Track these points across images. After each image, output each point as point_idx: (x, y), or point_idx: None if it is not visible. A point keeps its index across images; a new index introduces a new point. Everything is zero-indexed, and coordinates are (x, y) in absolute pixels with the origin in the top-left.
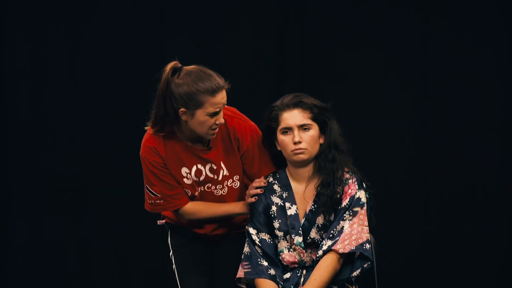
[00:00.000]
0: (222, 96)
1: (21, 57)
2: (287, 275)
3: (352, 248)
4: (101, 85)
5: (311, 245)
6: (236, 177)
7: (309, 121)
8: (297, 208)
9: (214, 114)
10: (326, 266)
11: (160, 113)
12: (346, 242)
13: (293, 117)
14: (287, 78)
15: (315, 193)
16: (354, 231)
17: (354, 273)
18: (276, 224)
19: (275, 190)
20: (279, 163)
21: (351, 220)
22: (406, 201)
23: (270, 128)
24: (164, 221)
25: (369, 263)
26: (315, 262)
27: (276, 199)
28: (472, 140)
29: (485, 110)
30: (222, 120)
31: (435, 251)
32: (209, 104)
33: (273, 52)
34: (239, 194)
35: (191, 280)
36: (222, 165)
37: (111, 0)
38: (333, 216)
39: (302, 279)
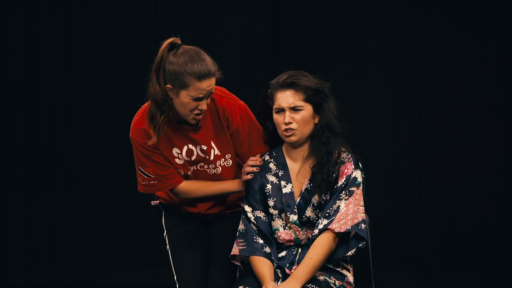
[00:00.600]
0: (208, 84)
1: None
2: (283, 253)
3: (348, 227)
4: (99, 67)
5: (307, 223)
6: (228, 156)
7: (300, 103)
8: (292, 186)
9: (198, 99)
10: (322, 245)
11: (152, 88)
12: (342, 222)
13: (285, 97)
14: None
15: (311, 172)
16: (350, 211)
17: (349, 253)
18: (271, 202)
19: (270, 168)
20: (276, 140)
21: (347, 199)
22: (402, 199)
23: (267, 105)
24: (158, 201)
25: (364, 243)
26: (310, 241)
27: (271, 177)
28: (471, 140)
29: (484, 109)
30: (204, 107)
31: (430, 247)
32: (193, 88)
33: (267, 36)
34: (234, 172)
35: (185, 260)
36: (213, 144)
37: None
38: (329, 195)
39: (297, 257)
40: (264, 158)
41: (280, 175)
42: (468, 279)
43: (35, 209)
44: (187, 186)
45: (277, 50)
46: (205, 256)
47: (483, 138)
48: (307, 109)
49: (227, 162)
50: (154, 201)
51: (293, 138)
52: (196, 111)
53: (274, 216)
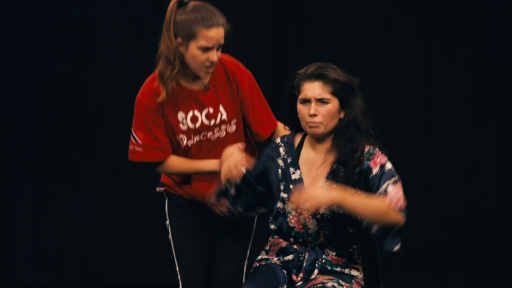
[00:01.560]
0: (217, 32)
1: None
2: (289, 257)
3: (400, 207)
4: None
5: (320, 221)
6: (233, 121)
7: (328, 96)
8: (301, 173)
9: (207, 49)
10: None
11: (163, 45)
12: (395, 200)
13: (312, 88)
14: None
15: (329, 170)
16: (399, 195)
17: (396, 247)
18: (281, 187)
19: (279, 152)
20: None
21: (393, 184)
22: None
23: (292, 96)
24: (163, 188)
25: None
26: (323, 240)
27: (280, 162)
28: (475, 140)
29: (488, 111)
30: (215, 58)
31: (436, 246)
32: (202, 37)
33: (271, 43)
34: (238, 139)
35: (188, 251)
36: (221, 108)
37: None
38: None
39: (304, 264)
40: (276, 141)
41: (289, 161)
42: (474, 279)
43: (36, 208)
44: (168, 161)
45: (282, 57)
46: (209, 250)
47: (487, 139)
48: (334, 103)
49: (231, 127)
50: (159, 188)
51: (316, 130)
52: (207, 63)
53: (286, 200)
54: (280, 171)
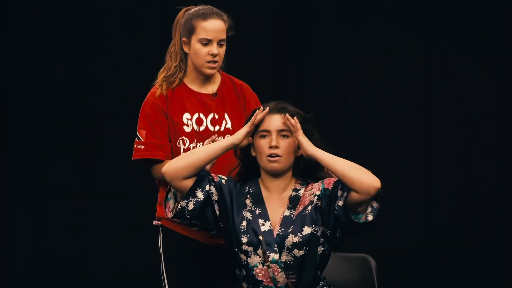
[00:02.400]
0: (215, 24)
1: None
2: None
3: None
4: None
5: (288, 268)
6: None
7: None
8: (270, 224)
9: (206, 42)
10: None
11: (171, 47)
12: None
13: (273, 120)
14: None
15: (288, 203)
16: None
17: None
18: (245, 239)
19: (246, 204)
20: (251, 173)
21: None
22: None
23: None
24: (159, 222)
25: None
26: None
27: (247, 214)
28: (476, 146)
29: (487, 114)
30: (215, 51)
31: (437, 255)
32: (200, 29)
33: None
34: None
35: None
36: (226, 116)
37: None
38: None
39: None
40: (244, 187)
41: (257, 213)
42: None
43: (37, 213)
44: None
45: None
46: None
47: (488, 146)
48: (294, 139)
49: None
50: (156, 221)
51: (277, 166)
52: (209, 58)
53: (250, 253)
54: (245, 223)
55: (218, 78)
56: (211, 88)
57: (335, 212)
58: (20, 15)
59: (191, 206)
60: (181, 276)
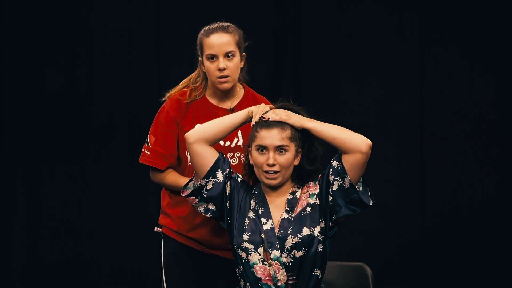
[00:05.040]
0: (217, 38)
1: None
2: None
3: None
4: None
5: (289, 268)
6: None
7: (286, 142)
8: (272, 222)
9: (212, 57)
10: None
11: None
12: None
13: (270, 137)
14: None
15: (286, 207)
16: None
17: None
18: (246, 237)
19: (250, 204)
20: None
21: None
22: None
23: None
24: (161, 229)
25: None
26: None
27: (250, 213)
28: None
29: (486, 116)
30: (221, 65)
31: (433, 264)
32: (206, 46)
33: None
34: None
35: None
36: (239, 133)
37: None
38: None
39: None
40: (251, 188)
41: (260, 212)
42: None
43: (37, 210)
44: (167, 173)
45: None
46: None
47: (484, 154)
48: (291, 150)
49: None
50: (158, 228)
51: (274, 182)
52: (217, 73)
53: (250, 251)
54: (247, 221)
55: (240, 94)
56: (230, 103)
57: (331, 197)
58: (18, 20)
59: (210, 185)
60: (181, 284)
